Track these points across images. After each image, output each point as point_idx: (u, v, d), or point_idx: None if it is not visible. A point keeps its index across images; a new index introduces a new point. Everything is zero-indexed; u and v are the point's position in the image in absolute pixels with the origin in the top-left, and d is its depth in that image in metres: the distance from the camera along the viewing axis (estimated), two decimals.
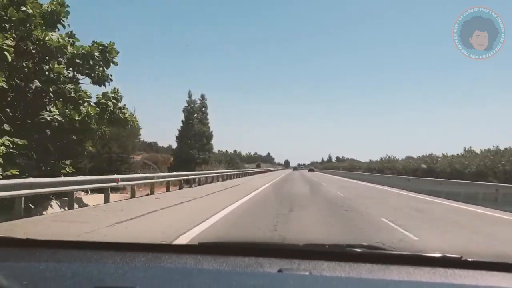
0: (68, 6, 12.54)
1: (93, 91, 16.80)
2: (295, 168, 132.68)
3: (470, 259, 1.62)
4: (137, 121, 16.24)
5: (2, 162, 9.43)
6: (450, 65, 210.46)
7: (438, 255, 1.68)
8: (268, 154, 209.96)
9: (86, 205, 12.91)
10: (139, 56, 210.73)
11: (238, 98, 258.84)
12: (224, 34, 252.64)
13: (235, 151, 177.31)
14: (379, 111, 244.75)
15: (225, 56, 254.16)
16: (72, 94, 12.33)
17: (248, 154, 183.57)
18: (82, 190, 13.68)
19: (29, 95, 11.74)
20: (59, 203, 12.13)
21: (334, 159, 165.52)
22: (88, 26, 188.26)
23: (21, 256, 1.70)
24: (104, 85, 13.53)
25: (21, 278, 1.30)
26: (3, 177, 9.21)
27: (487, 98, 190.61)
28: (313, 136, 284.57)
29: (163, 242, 2.01)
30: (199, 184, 24.18)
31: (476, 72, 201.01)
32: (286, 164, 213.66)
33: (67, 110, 11.71)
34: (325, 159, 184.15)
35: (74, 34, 13.11)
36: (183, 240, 6.38)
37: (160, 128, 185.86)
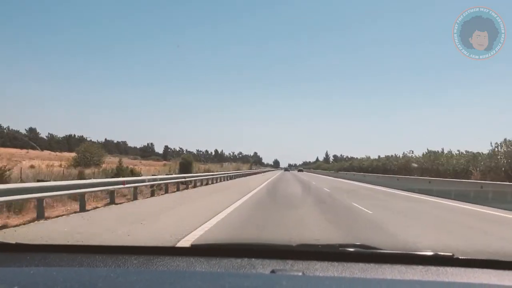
0: None
1: None
2: (286, 169, 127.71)
3: (462, 257, 1.62)
4: None
5: None
6: (449, 65, 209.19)
7: (430, 253, 1.68)
8: (255, 154, 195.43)
9: None
10: (131, 53, 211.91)
11: (225, 98, 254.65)
12: (212, 32, 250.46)
13: (216, 150, 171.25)
14: (378, 109, 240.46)
15: (213, 54, 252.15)
16: None
17: (231, 154, 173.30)
18: None
19: None
20: None
21: (331, 158, 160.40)
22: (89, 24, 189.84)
23: (11, 260, 1.70)
24: None
25: (12, 283, 1.30)
26: None
27: (487, 97, 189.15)
28: (306, 135, 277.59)
29: (155, 245, 2.00)
30: None
31: (476, 71, 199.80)
32: (276, 164, 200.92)
33: None
34: (321, 158, 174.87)
35: None
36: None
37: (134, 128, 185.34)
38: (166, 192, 17.80)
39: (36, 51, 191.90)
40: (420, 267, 1.58)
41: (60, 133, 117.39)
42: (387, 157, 43.06)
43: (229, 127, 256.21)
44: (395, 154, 41.46)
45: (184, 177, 21.43)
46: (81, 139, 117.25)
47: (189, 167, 34.52)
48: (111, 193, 12.60)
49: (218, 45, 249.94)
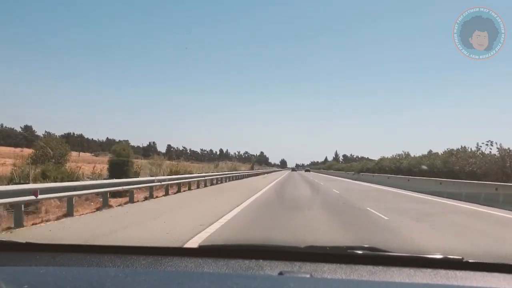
0: None
1: None
2: (293, 169, 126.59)
3: (471, 261, 1.62)
4: None
5: None
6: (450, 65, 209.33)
7: (439, 256, 1.68)
8: (262, 153, 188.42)
9: None
10: (133, 53, 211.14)
11: (230, 98, 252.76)
12: (217, 32, 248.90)
13: (221, 150, 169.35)
14: (388, 108, 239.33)
15: (216, 53, 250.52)
16: None
17: (237, 153, 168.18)
18: None
19: None
20: None
21: (341, 158, 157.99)
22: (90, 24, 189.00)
23: (21, 260, 1.70)
24: None
25: (21, 282, 1.30)
26: None
27: (488, 97, 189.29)
28: (313, 135, 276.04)
29: (164, 246, 2.00)
30: None
31: (476, 71, 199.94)
32: (283, 164, 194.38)
33: None
34: (330, 158, 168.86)
35: None
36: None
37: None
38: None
39: (38, 51, 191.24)
40: (429, 270, 1.58)
41: (61, 133, 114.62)
42: (450, 152, 27.20)
43: (235, 127, 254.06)
44: (464, 147, 26.42)
45: (74, 188, 10.49)
46: (80, 137, 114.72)
47: (125, 166, 19.33)
48: None
49: (222, 45, 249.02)
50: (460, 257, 1.63)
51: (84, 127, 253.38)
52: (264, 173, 65.21)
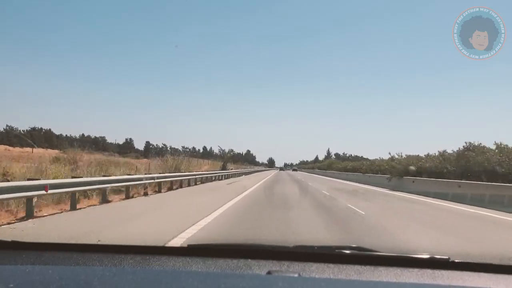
0: None
1: None
2: (281, 169, 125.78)
3: (458, 260, 1.63)
4: None
5: None
6: (450, 65, 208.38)
7: (426, 256, 1.68)
8: (248, 152, 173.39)
9: None
10: (118, 49, 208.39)
11: (219, 96, 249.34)
12: (208, 30, 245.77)
13: (204, 147, 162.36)
14: (375, 108, 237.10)
15: (206, 52, 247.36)
16: None
17: (221, 151, 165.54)
18: None
19: None
20: None
21: (333, 157, 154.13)
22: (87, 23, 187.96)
23: (6, 258, 1.69)
24: None
25: (7, 281, 1.30)
26: None
27: (487, 97, 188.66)
28: (302, 135, 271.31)
29: (152, 245, 2.01)
30: None
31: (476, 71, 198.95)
32: (271, 163, 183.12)
33: None
34: (321, 157, 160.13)
35: None
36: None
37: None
38: None
39: (30, 49, 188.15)
40: (416, 270, 1.58)
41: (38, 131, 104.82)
42: None
43: (224, 126, 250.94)
44: None
45: None
46: (48, 133, 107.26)
47: None
48: None
49: (213, 44, 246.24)
50: (447, 257, 1.64)
51: (80, 127, 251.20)
52: (241, 173, 48.08)
